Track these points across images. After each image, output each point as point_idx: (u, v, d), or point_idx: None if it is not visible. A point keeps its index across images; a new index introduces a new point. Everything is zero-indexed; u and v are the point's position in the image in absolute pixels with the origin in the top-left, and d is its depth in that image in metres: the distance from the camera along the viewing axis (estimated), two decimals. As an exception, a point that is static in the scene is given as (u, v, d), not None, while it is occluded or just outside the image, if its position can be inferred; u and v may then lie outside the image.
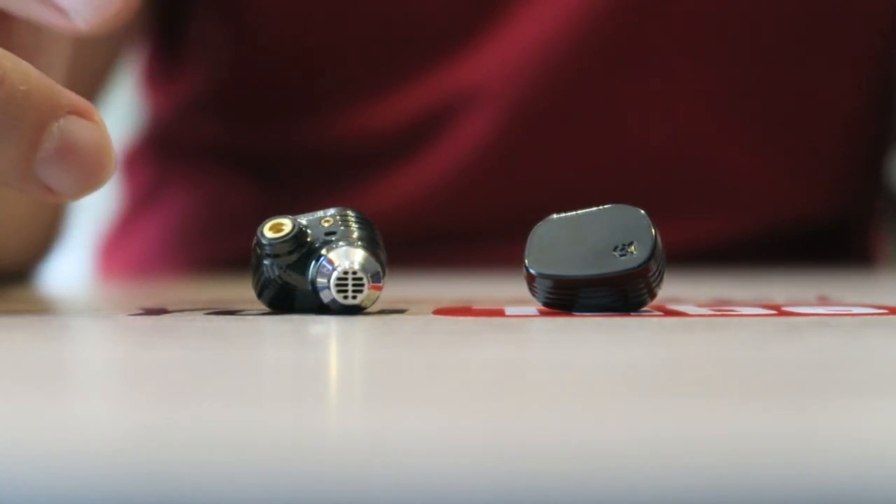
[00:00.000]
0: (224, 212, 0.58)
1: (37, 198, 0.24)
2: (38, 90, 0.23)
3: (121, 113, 0.63)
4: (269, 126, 0.56)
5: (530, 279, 0.24)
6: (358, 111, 0.55)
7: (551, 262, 0.24)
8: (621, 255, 0.24)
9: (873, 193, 0.60)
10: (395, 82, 0.54)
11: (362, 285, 0.24)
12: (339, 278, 0.24)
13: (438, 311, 0.26)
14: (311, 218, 0.25)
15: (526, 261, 0.24)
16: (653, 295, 0.25)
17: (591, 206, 0.25)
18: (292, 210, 0.26)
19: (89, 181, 0.24)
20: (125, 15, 0.24)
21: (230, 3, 0.55)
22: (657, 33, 0.54)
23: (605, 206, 0.25)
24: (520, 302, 0.29)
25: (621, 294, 0.24)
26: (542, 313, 0.25)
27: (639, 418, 0.13)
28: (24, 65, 0.24)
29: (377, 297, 0.24)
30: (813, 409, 0.13)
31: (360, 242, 0.24)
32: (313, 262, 0.24)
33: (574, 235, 0.24)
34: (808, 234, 0.57)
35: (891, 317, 0.25)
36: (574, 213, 0.25)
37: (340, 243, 0.24)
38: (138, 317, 0.25)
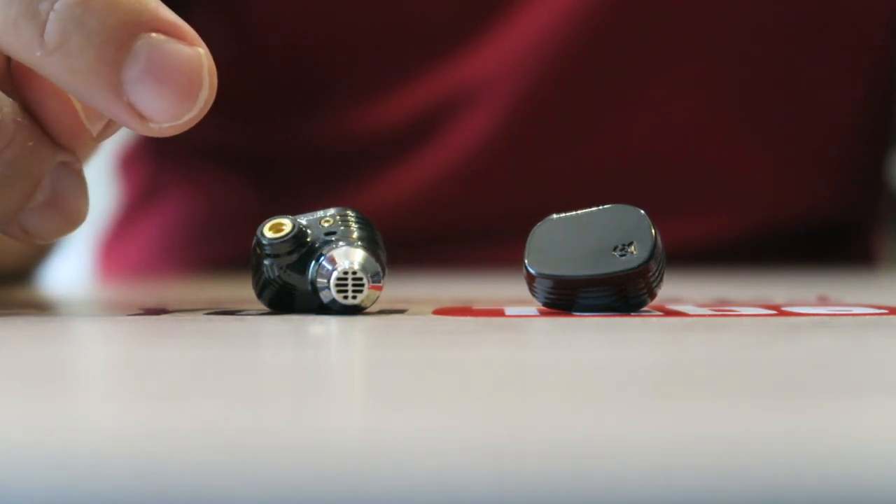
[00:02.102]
0: (223, 212, 0.58)
1: (128, 126, 0.23)
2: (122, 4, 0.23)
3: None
4: (269, 125, 0.56)
5: (530, 279, 0.24)
6: (357, 110, 0.55)
7: (551, 262, 0.24)
8: (621, 255, 0.24)
9: (873, 193, 0.60)
10: (395, 80, 0.54)
11: (362, 285, 0.24)
12: (339, 278, 0.24)
13: (438, 311, 0.26)
14: (311, 218, 0.25)
15: (526, 261, 0.24)
16: (653, 295, 0.25)
17: (591, 206, 0.25)
18: (292, 210, 0.26)
19: (182, 105, 0.23)
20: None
21: (229, 2, 0.55)
22: (658, 32, 0.54)
23: (605, 206, 0.25)
24: (520, 302, 0.29)
25: (621, 294, 0.24)
26: (542, 313, 0.25)
27: (639, 418, 0.13)
28: None
29: (377, 297, 0.24)
30: (813, 409, 0.13)
31: (360, 242, 0.24)
32: (313, 262, 0.24)
33: (574, 235, 0.24)
34: (808, 234, 0.57)
35: (891, 317, 0.25)
36: (574, 213, 0.25)
37: (340, 243, 0.24)
38: (138, 317, 0.25)
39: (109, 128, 0.25)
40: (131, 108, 0.23)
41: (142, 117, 0.23)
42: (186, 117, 0.23)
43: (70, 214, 0.25)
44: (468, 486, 0.10)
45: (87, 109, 0.24)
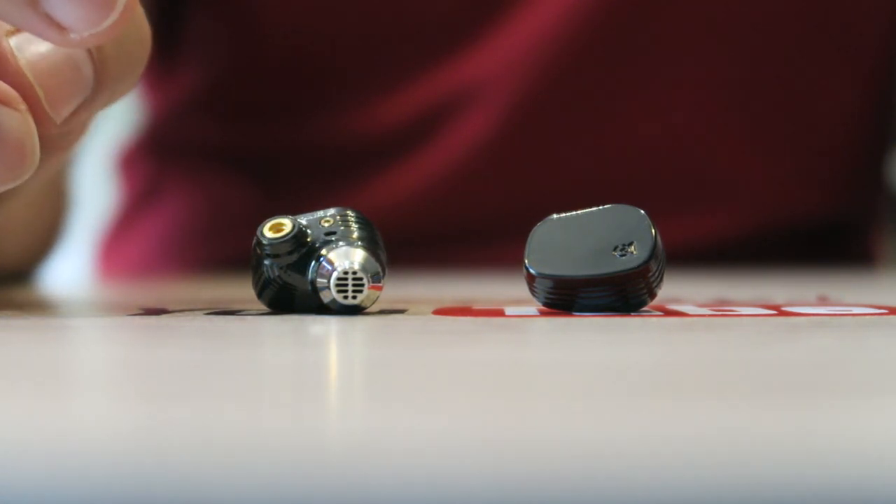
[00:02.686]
0: (223, 211, 0.58)
1: (49, 39, 0.22)
2: None
3: (118, 112, 0.63)
4: (268, 125, 0.56)
5: (530, 279, 0.24)
6: (357, 110, 0.55)
7: (551, 262, 0.24)
8: (621, 255, 0.24)
9: (873, 193, 0.60)
10: (395, 80, 0.54)
11: (362, 285, 0.24)
12: (339, 278, 0.24)
13: (438, 311, 0.26)
14: (311, 218, 0.25)
15: (526, 261, 0.24)
16: (653, 295, 0.25)
17: (591, 206, 0.25)
18: (292, 210, 0.26)
19: (101, 11, 0.22)
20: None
21: (229, 2, 0.55)
22: (658, 32, 0.54)
23: (605, 206, 0.25)
24: (520, 302, 0.29)
25: (621, 294, 0.24)
26: (542, 313, 0.25)
27: (638, 418, 0.13)
28: None
29: (377, 297, 0.24)
30: (813, 409, 0.13)
31: (360, 242, 0.24)
32: (313, 262, 0.24)
33: (574, 235, 0.24)
34: (808, 234, 0.57)
35: (891, 317, 0.25)
36: (574, 213, 0.25)
37: (340, 243, 0.24)
38: (138, 317, 0.25)
39: (77, 116, 0.24)
40: (49, 18, 0.22)
41: (60, 28, 0.22)
42: (106, 23, 0.22)
43: (6, 157, 0.22)
44: (468, 485, 0.10)
45: (49, 97, 0.23)
